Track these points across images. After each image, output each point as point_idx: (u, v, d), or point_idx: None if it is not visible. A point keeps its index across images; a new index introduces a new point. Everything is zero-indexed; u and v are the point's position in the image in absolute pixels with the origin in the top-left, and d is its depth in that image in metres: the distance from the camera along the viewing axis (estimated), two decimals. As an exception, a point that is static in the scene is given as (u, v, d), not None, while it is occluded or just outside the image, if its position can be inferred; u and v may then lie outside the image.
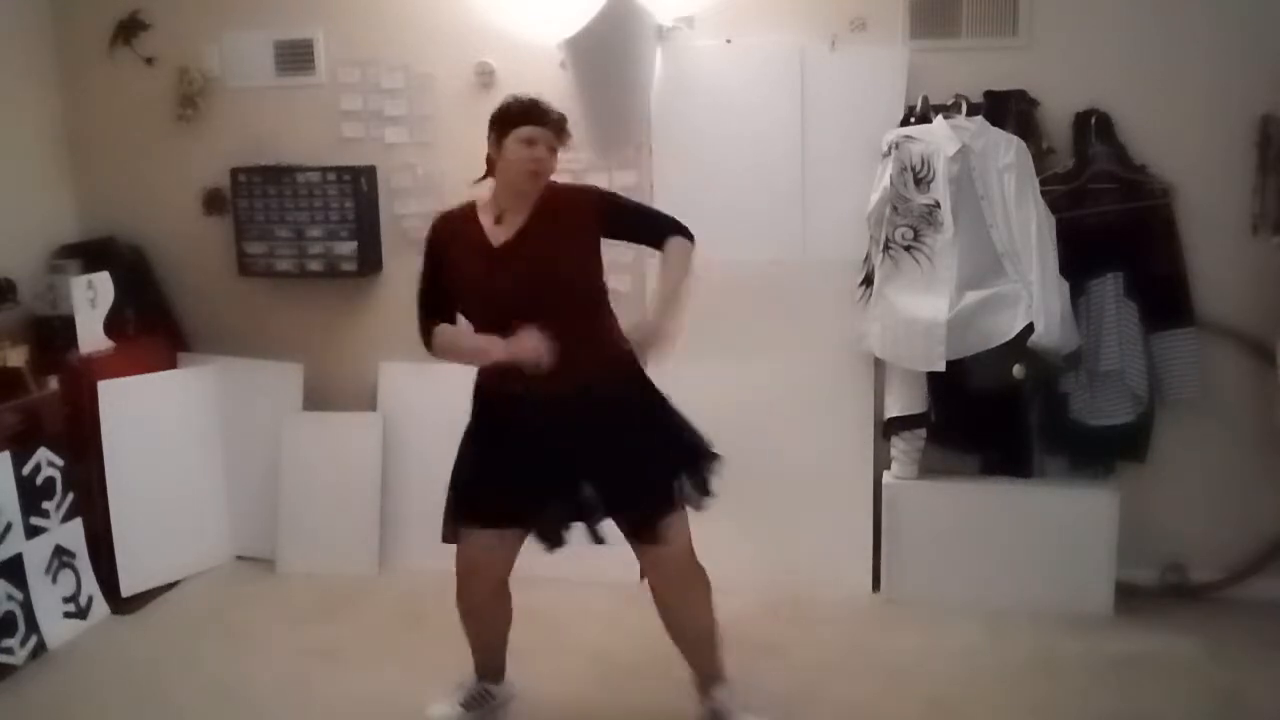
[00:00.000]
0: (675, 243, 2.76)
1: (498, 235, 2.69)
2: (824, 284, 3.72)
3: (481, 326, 2.71)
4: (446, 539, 2.82)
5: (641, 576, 2.93)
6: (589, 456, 2.67)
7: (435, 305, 2.80)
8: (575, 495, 2.68)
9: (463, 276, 2.71)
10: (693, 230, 2.80)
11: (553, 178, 2.73)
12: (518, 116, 2.68)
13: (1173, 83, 3.50)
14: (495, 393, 2.73)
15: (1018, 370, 3.30)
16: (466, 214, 2.77)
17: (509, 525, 2.75)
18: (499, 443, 2.72)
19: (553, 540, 2.75)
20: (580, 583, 3.64)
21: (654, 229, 2.79)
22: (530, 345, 2.54)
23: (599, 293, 2.76)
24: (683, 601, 2.82)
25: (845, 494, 3.77)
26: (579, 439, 2.65)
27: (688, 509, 2.75)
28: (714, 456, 2.76)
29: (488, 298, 2.69)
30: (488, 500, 2.73)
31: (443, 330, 2.78)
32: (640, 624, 3.50)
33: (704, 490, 2.76)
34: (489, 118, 2.75)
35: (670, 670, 2.99)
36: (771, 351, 3.78)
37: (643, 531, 2.73)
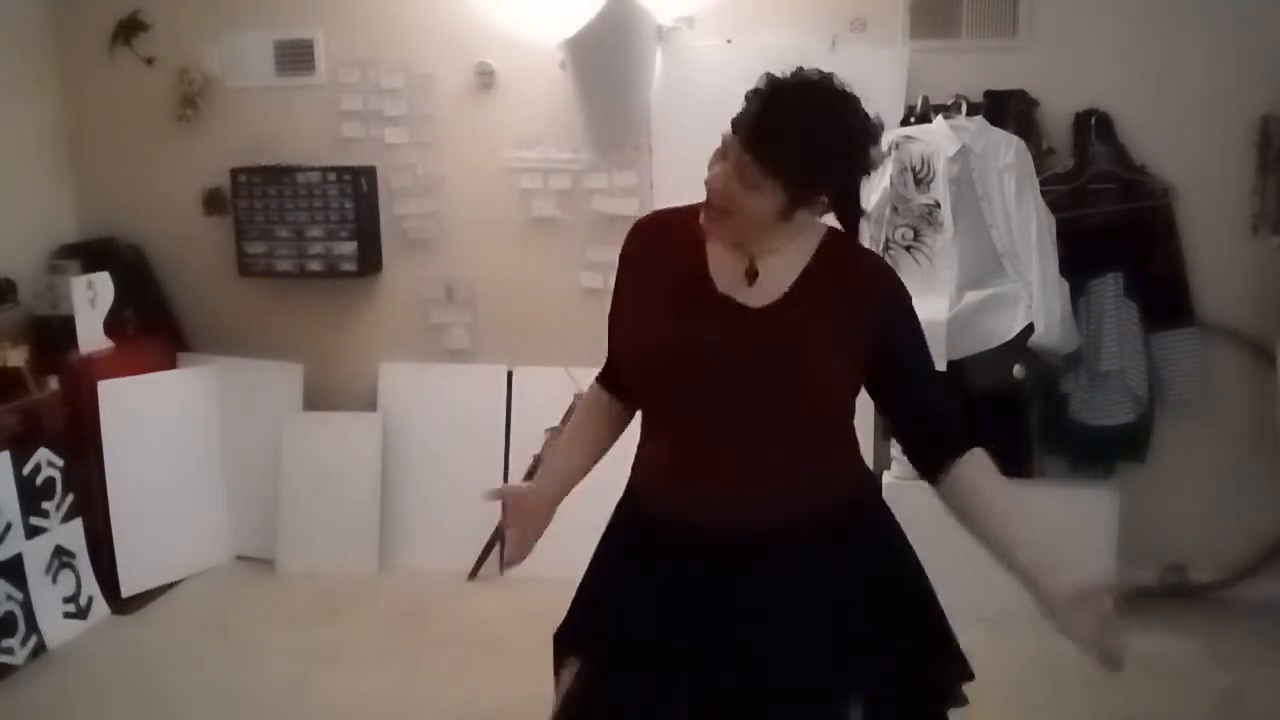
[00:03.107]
0: (984, 461, 1.78)
1: (733, 281, 1.70)
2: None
3: (653, 413, 1.80)
4: (557, 656, 2.03)
5: None
6: (769, 652, 1.71)
7: (612, 360, 1.88)
8: (715, 687, 1.72)
9: (653, 319, 1.74)
10: None
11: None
12: (741, 110, 1.69)
13: (1173, 83, 3.50)
14: (658, 517, 1.76)
15: (1018, 370, 3.30)
16: (688, 221, 1.73)
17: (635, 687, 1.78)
18: (646, 583, 1.78)
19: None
20: (580, 583, 3.63)
21: (938, 415, 1.78)
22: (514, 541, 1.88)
23: (848, 412, 1.80)
24: None
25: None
26: (767, 618, 1.70)
27: None
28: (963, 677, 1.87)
29: (686, 368, 1.68)
30: (614, 637, 1.83)
31: (583, 411, 1.96)
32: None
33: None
34: None
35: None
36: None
37: None
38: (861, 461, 1.88)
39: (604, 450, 1.93)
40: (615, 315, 1.84)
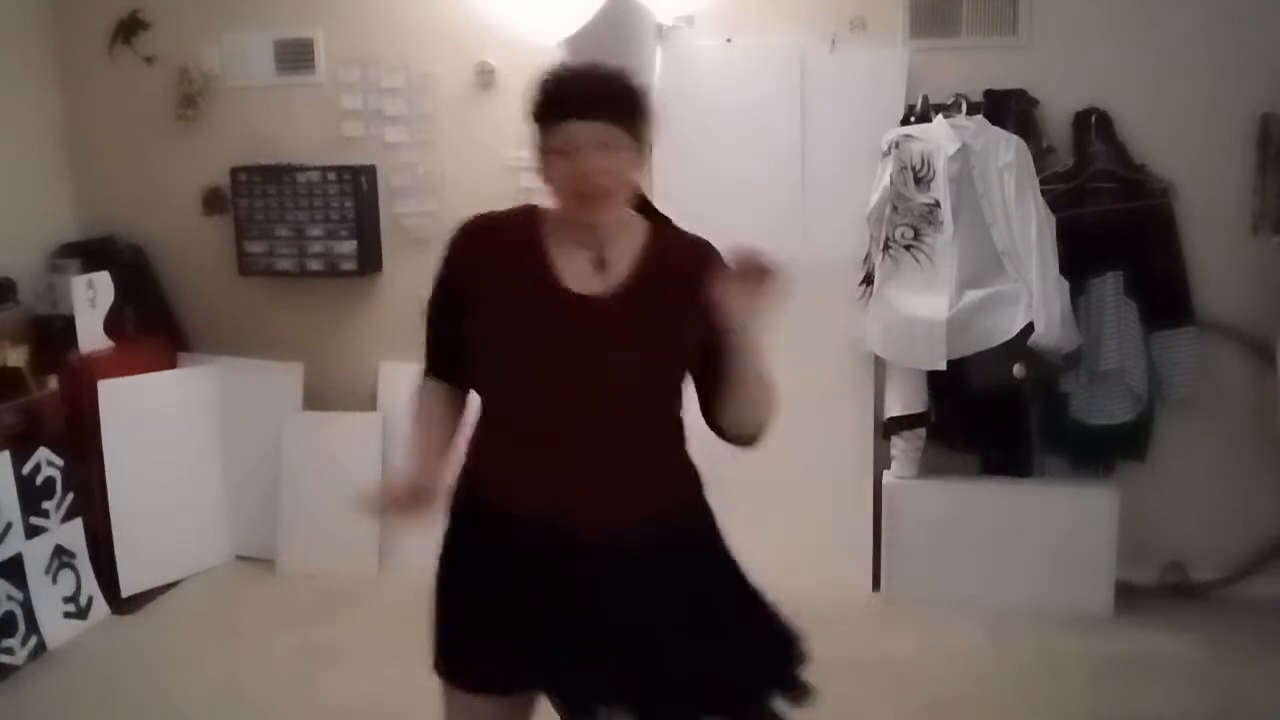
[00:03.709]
0: None
1: (579, 276, 1.77)
2: (824, 284, 3.73)
3: (500, 411, 1.83)
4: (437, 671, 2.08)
5: None
6: (647, 625, 1.80)
7: (440, 353, 1.96)
8: (606, 667, 1.80)
9: (504, 326, 1.77)
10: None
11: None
12: (547, 110, 1.71)
13: (1173, 82, 3.50)
14: (509, 512, 1.80)
15: (1018, 370, 3.31)
16: (520, 224, 1.82)
17: (511, 689, 1.93)
18: (503, 581, 1.85)
19: (580, 711, 1.85)
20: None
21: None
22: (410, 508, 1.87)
23: (681, 399, 1.87)
24: None
25: (845, 494, 3.76)
26: (633, 597, 1.78)
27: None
28: (800, 644, 1.90)
29: (541, 369, 1.75)
30: (482, 656, 1.93)
31: (426, 401, 1.97)
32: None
33: (799, 694, 1.88)
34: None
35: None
36: (771, 351, 3.78)
37: None
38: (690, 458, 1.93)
39: (459, 431, 1.93)
40: (443, 311, 1.88)
